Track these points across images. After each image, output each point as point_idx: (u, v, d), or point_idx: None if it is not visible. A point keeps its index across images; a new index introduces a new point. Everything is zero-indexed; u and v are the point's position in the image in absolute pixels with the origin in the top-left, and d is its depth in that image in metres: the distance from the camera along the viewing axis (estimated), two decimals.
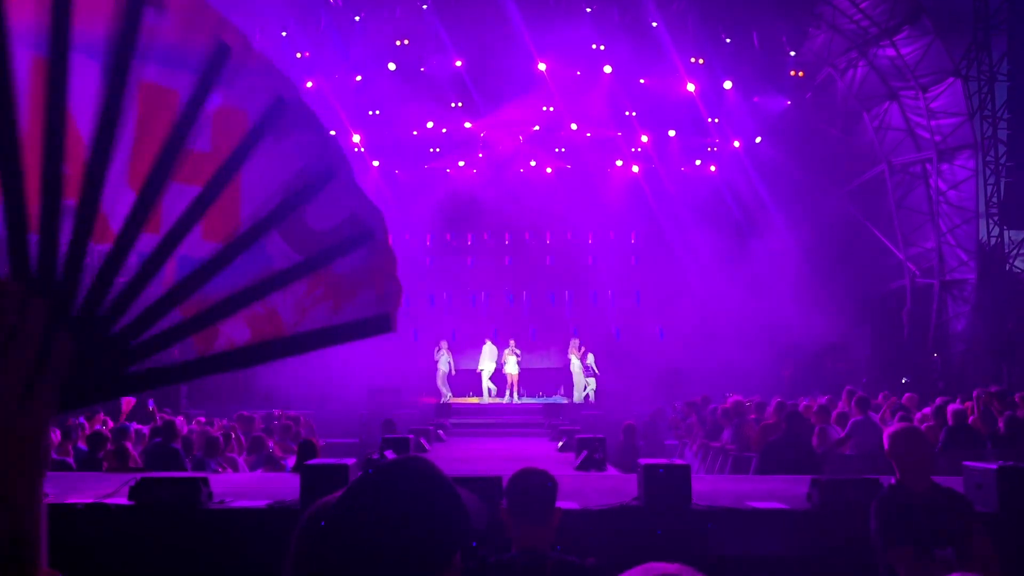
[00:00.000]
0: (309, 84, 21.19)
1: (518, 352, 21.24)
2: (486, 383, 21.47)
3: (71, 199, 0.90)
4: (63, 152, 0.88)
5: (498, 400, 21.16)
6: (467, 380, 21.99)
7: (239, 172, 0.97)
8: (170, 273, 0.96)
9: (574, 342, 21.23)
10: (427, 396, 20.92)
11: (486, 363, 21.45)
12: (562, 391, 22.32)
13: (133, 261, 0.95)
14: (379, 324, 1.05)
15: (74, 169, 0.90)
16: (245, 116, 0.98)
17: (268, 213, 0.99)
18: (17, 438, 0.78)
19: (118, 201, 0.92)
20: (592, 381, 20.90)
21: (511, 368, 21.10)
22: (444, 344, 21.42)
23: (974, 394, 10.53)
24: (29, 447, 0.79)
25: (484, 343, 21.73)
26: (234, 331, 0.99)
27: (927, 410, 10.30)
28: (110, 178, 0.91)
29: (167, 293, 0.96)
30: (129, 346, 0.93)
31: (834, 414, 10.20)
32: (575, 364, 20.95)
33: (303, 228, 1.01)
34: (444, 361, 21.22)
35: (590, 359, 21.09)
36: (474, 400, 21.23)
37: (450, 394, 21.16)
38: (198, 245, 0.97)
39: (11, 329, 0.78)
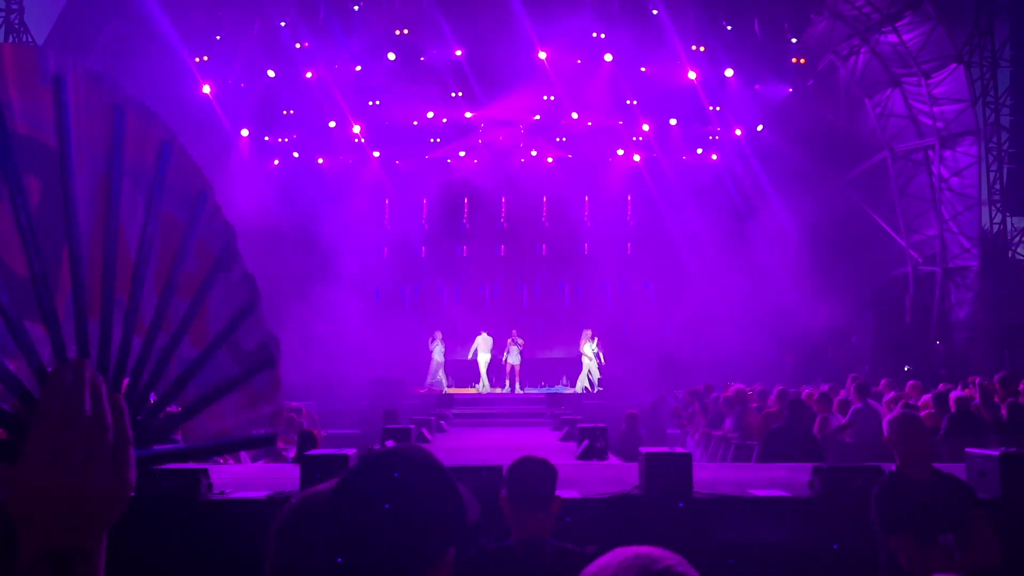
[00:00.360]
0: (309, 74, 21.15)
1: (520, 342, 21.22)
2: (484, 373, 21.45)
3: (120, 293, 1.12)
4: (116, 254, 1.12)
5: (497, 390, 21.17)
6: (467, 371, 22.00)
7: (208, 293, 1.23)
8: (172, 368, 1.19)
9: (586, 333, 21.10)
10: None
11: (483, 353, 21.39)
12: (564, 381, 22.31)
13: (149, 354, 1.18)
14: (267, 440, 1.29)
15: (121, 268, 1.12)
16: (211, 251, 1.25)
17: (223, 329, 1.24)
18: (109, 500, 0.88)
19: (147, 302, 1.16)
20: (593, 371, 20.84)
21: (513, 358, 21.08)
22: (438, 335, 21.38)
23: (975, 381, 10.50)
24: (115, 507, 0.89)
25: (479, 333, 21.68)
26: (206, 424, 1.23)
27: (927, 397, 10.28)
28: (145, 282, 1.16)
29: (172, 385, 1.20)
30: (149, 429, 1.13)
31: (836, 401, 10.19)
32: (587, 354, 20.82)
33: (238, 346, 1.26)
34: (439, 352, 21.17)
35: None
36: (472, 391, 21.21)
37: (446, 384, 21.14)
38: (187, 348, 1.21)
39: (96, 405, 0.90)
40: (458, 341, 22.24)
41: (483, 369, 21.41)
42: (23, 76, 1.04)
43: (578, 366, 21.25)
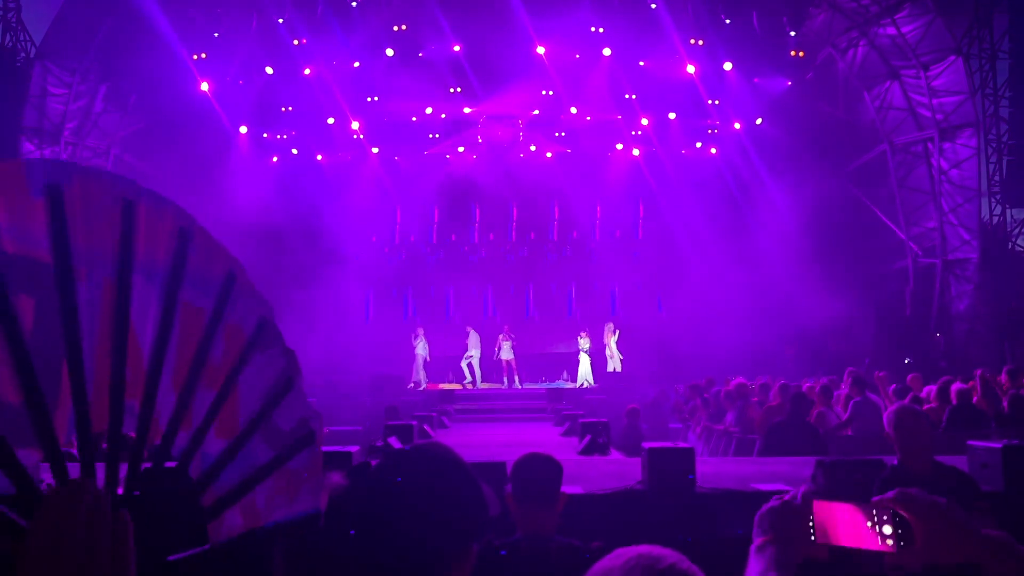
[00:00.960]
0: (307, 71, 21.13)
1: (513, 337, 21.21)
2: (477, 369, 21.30)
3: (132, 399, 1.07)
4: (125, 362, 1.06)
5: (496, 385, 21.14)
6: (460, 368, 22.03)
7: (238, 380, 1.17)
8: (195, 467, 1.15)
9: (609, 326, 21.05)
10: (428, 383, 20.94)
11: (473, 349, 21.27)
12: (565, 376, 22.30)
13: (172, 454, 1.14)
14: (312, 520, 1.23)
15: (133, 372, 1.07)
16: (243, 332, 1.19)
17: (255, 414, 1.18)
18: None
19: (164, 402, 1.11)
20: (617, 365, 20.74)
21: (505, 354, 21.07)
22: (421, 331, 21.33)
23: (976, 373, 10.51)
24: None
25: (468, 331, 21.55)
26: (233, 519, 1.18)
27: (932, 389, 10.29)
28: (161, 382, 1.10)
29: (196, 483, 1.15)
30: (171, 530, 1.12)
31: (841, 396, 10.20)
32: (611, 347, 20.80)
33: (274, 428, 1.20)
34: (421, 347, 21.12)
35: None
36: (456, 386, 21.07)
37: (425, 381, 21.02)
38: (212, 442, 1.16)
39: (92, 526, 0.85)
40: (457, 336, 22.24)
41: (476, 364, 21.26)
42: (11, 192, 1.00)
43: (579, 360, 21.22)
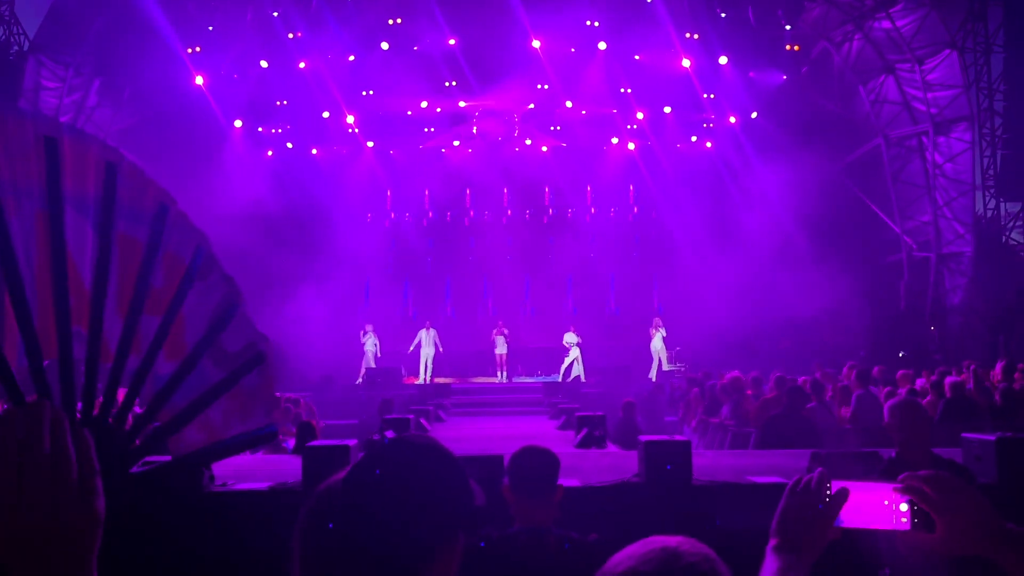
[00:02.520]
0: (302, 65, 21.07)
1: (506, 332, 21.18)
2: (430, 366, 20.77)
3: (79, 325, 1.09)
4: (68, 289, 1.08)
5: (486, 380, 21.02)
6: (457, 362, 22.02)
7: (182, 305, 1.16)
8: (148, 387, 1.18)
9: (656, 320, 20.79)
10: (412, 377, 20.75)
11: (425, 347, 20.94)
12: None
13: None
14: (268, 436, 1.32)
15: (77, 300, 1.09)
16: (182, 260, 1.23)
17: (202, 338, 1.24)
18: (80, 532, 0.88)
19: (112, 328, 1.14)
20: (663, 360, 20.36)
21: (500, 348, 21.04)
22: (370, 328, 21.06)
23: (972, 367, 10.56)
24: (88, 537, 0.89)
25: (423, 329, 20.99)
26: (192, 435, 1.23)
27: (924, 383, 10.34)
28: (106, 309, 1.12)
29: (152, 402, 1.21)
30: (133, 446, 1.13)
31: (838, 388, 10.24)
32: (656, 342, 20.48)
33: (222, 351, 1.28)
34: (371, 344, 20.87)
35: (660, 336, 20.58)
36: (418, 380, 20.70)
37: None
38: (163, 364, 1.20)
39: (55, 442, 0.88)
40: (453, 330, 22.22)
41: (424, 363, 20.86)
42: None
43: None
